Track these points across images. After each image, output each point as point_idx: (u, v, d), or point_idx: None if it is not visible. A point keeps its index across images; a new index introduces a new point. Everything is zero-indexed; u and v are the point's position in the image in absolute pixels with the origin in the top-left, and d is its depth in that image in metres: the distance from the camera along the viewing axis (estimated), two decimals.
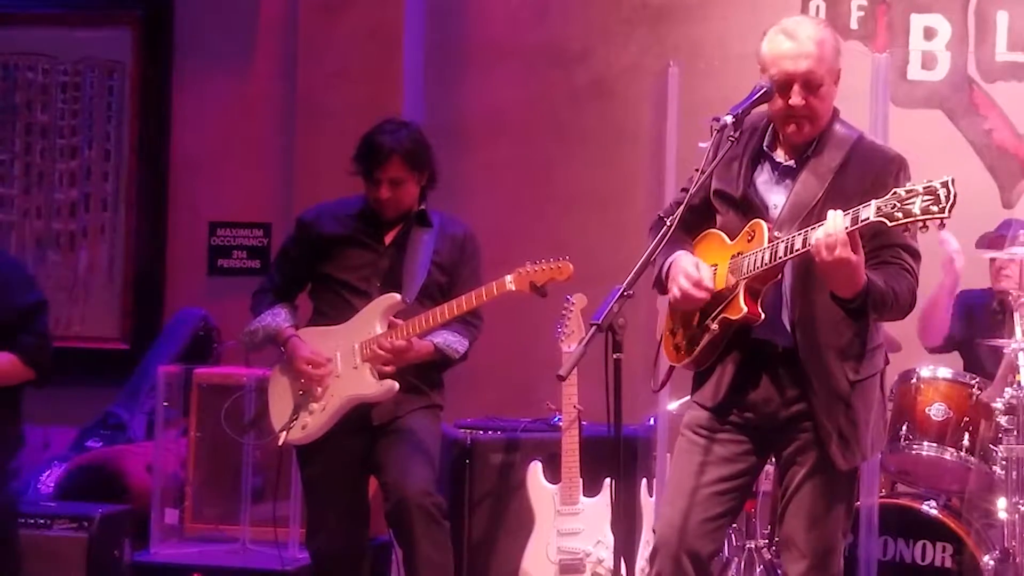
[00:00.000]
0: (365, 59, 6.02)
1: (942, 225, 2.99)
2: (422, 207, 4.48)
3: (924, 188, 3.00)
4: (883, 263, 3.30)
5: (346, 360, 4.35)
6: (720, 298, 3.35)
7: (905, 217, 3.00)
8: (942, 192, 2.97)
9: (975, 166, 5.77)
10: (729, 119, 3.28)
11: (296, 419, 4.37)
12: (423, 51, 6.20)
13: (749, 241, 3.34)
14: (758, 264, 3.27)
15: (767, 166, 3.44)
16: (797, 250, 3.19)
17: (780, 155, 3.43)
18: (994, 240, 4.95)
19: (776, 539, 4.77)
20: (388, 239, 4.45)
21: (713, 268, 3.39)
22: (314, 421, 4.36)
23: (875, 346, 3.43)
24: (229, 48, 6.42)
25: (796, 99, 3.30)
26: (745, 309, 3.29)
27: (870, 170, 3.34)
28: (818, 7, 5.88)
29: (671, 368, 3.58)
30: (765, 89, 3.33)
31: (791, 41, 3.31)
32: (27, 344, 4.32)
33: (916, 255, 3.35)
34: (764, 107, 3.40)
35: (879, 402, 3.46)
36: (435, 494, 4.30)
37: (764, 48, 3.37)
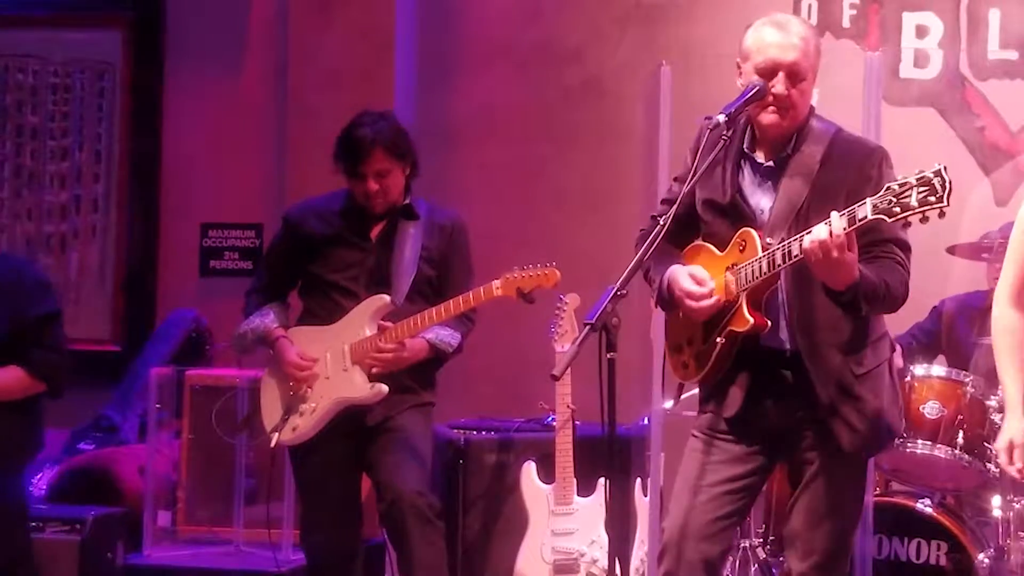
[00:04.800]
0: (356, 59, 6.01)
1: (942, 214, 2.98)
2: (407, 201, 4.46)
3: (918, 180, 2.98)
4: (875, 257, 3.29)
5: (336, 362, 4.34)
6: (722, 312, 3.33)
7: (904, 211, 2.99)
8: (937, 181, 2.95)
9: (968, 164, 5.77)
10: (722, 118, 3.27)
11: (287, 420, 4.37)
12: (415, 51, 6.19)
13: (741, 251, 3.32)
14: (757, 274, 3.26)
15: (748, 168, 3.43)
16: (796, 256, 3.17)
17: (760, 156, 3.42)
18: (991, 247, 4.95)
19: (771, 538, 4.78)
20: (374, 235, 4.43)
21: None
22: (304, 423, 4.35)
23: (878, 336, 3.42)
24: (220, 49, 6.41)
25: (780, 87, 3.31)
26: (751, 320, 3.27)
27: (852, 163, 3.33)
28: (810, 6, 5.88)
29: (681, 384, 3.57)
30: (758, 88, 3.31)
31: (781, 32, 3.33)
32: (38, 358, 4.27)
33: (907, 248, 3.34)
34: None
35: (890, 389, 3.43)
36: (428, 494, 4.30)
37: (749, 38, 3.38)
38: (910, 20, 5.85)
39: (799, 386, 3.36)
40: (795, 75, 3.31)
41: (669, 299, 3.42)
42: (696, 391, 3.57)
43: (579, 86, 6.11)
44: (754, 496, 3.54)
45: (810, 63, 3.33)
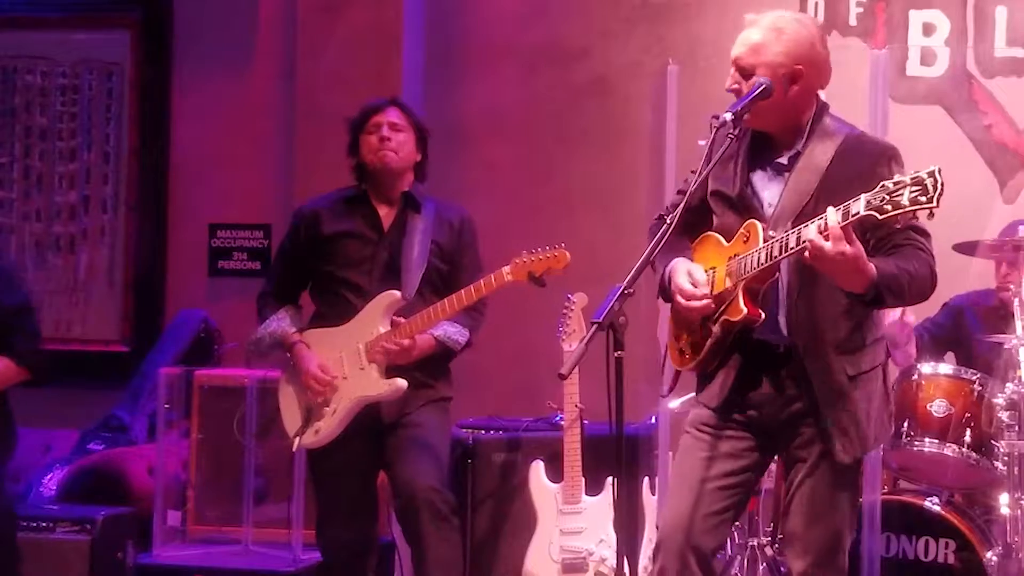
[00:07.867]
0: (364, 59, 6.02)
1: (931, 215, 2.99)
2: (408, 190, 4.47)
3: (912, 179, 3.00)
4: (895, 247, 3.29)
5: (352, 362, 4.35)
6: (720, 301, 3.35)
7: (894, 209, 3.00)
8: (929, 182, 2.97)
9: (975, 162, 5.77)
10: (728, 116, 3.29)
11: (308, 424, 4.39)
12: (423, 50, 6.20)
13: (745, 242, 3.34)
14: (754, 264, 3.27)
15: (760, 164, 3.45)
16: (792, 248, 3.18)
17: (773, 152, 3.43)
18: (998, 246, 4.94)
19: (779, 536, 4.78)
20: (386, 226, 4.44)
21: (711, 271, 3.39)
22: (326, 425, 4.37)
23: (875, 340, 3.43)
24: (228, 49, 6.42)
25: (728, 80, 3.39)
26: (745, 311, 3.29)
27: (862, 162, 3.34)
28: (817, 4, 5.88)
29: (678, 372, 3.58)
30: (764, 86, 3.33)
31: (747, 26, 3.40)
32: (21, 347, 4.30)
33: (925, 234, 3.33)
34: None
35: (881, 395, 3.44)
36: (444, 491, 4.31)
37: None
38: (917, 18, 5.84)
39: (794, 382, 3.37)
40: (742, 70, 3.37)
41: (668, 291, 3.45)
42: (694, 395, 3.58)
43: (586, 85, 6.12)
44: (749, 492, 3.54)
45: (764, 60, 3.34)
